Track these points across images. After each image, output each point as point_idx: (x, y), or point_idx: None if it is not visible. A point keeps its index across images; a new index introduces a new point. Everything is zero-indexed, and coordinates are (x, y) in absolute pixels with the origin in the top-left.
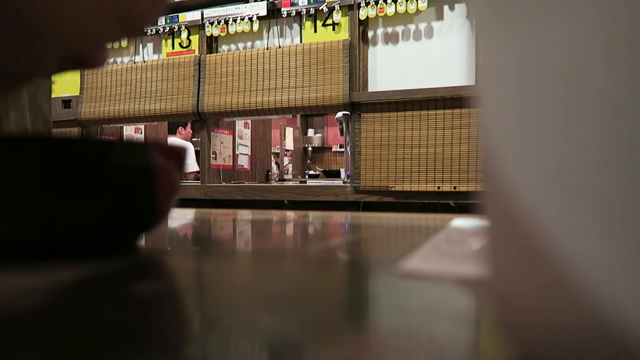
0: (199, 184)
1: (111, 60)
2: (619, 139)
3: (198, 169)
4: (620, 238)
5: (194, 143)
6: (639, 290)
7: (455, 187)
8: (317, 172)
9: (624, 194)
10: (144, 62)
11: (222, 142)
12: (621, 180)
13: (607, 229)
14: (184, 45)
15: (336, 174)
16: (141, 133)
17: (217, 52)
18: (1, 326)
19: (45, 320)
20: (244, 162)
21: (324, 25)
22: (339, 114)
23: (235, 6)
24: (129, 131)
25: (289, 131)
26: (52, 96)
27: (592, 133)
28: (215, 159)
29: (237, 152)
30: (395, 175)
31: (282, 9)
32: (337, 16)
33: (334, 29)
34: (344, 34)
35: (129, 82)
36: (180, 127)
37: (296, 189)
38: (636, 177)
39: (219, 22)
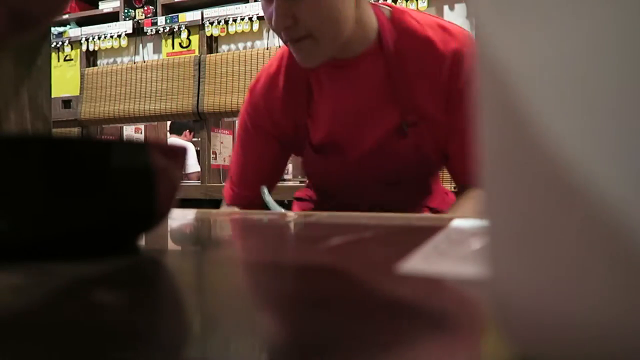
0: (199, 184)
1: (111, 60)
2: (618, 139)
3: (199, 169)
4: (618, 238)
5: (194, 143)
6: (636, 291)
7: (455, 187)
8: None
9: (623, 194)
10: (144, 62)
11: (222, 142)
12: (620, 181)
13: (605, 229)
14: (184, 45)
15: None
16: (141, 133)
17: (217, 52)
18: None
19: (42, 320)
20: None
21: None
22: None
23: (235, 6)
24: (129, 131)
25: None
26: (52, 96)
27: (592, 133)
28: (215, 159)
29: None
30: None
31: None
32: None
33: None
34: None
35: (129, 82)
36: (187, 130)
37: (296, 189)
38: (634, 178)
39: (218, 22)
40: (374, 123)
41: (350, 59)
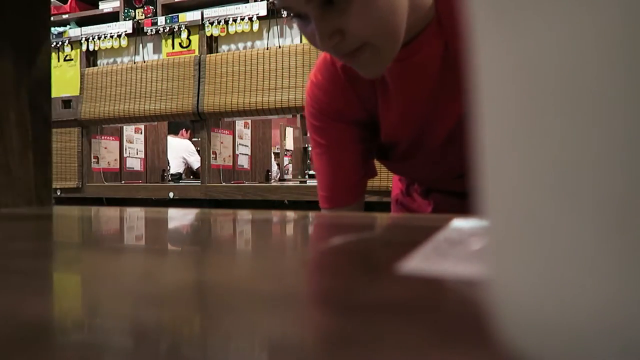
0: (199, 184)
1: (111, 60)
2: (619, 139)
3: None
4: (619, 237)
5: (194, 143)
6: (638, 291)
7: None
8: None
9: (623, 193)
10: (144, 62)
11: (222, 142)
12: (620, 180)
13: (606, 229)
14: (184, 45)
15: None
16: (141, 133)
17: (217, 52)
18: None
19: None
20: (244, 162)
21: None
22: None
23: (235, 6)
24: (129, 131)
25: (289, 131)
26: (52, 96)
27: (592, 133)
28: (215, 159)
29: (237, 152)
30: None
31: (282, 9)
32: None
33: None
34: None
35: (129, 82)
36: (183, 130)
37: (296, 189)
38: (634, 177)
39: (219, 22)
40: (440, 119)
41: (407, 48)
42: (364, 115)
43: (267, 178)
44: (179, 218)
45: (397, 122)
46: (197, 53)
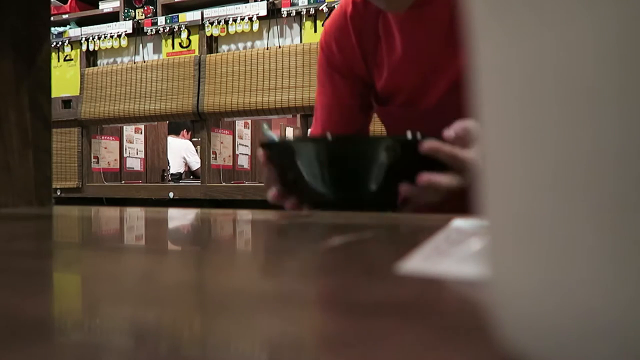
0: (199, 184)
1: (111, 60)
2: (617, 139)
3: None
4: (618, 237)
5: (194, 143)
6: (637, 291)
7: None
8: None
9: (622, 193)
10: (144, 62)
11: (222, 142)
12: (619, 180)
13: (604, 228)
14: (184, 45)
15: None
16: (141, 133)
17: (217, 52)
18: None
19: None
20: (244, 162)
21: (323, 25)
22: None
23: (235, 6)
24: (129, 131)
25: (289, 131)
26: (52, 96)
27: (591, 134)
28: (215, 159)
29: (237, 152)
30: None
31: (282, 9)
32: None
33: None
34: None
35: (129, 82)
36: (184, 130)
37: None
38: (632, 177)
39: (219, 22)
40: (441, 74)
41: None
42: (362, 69)
43: None
44: (179, 218)
45: (398, 69)
46: (197, 53)
